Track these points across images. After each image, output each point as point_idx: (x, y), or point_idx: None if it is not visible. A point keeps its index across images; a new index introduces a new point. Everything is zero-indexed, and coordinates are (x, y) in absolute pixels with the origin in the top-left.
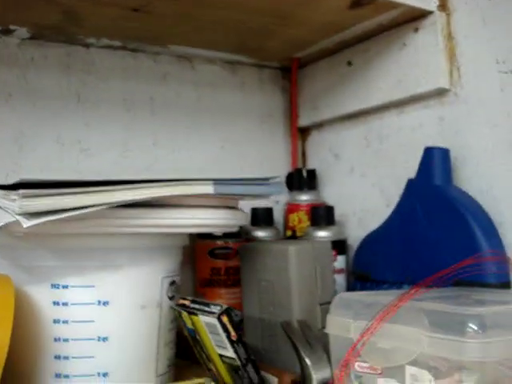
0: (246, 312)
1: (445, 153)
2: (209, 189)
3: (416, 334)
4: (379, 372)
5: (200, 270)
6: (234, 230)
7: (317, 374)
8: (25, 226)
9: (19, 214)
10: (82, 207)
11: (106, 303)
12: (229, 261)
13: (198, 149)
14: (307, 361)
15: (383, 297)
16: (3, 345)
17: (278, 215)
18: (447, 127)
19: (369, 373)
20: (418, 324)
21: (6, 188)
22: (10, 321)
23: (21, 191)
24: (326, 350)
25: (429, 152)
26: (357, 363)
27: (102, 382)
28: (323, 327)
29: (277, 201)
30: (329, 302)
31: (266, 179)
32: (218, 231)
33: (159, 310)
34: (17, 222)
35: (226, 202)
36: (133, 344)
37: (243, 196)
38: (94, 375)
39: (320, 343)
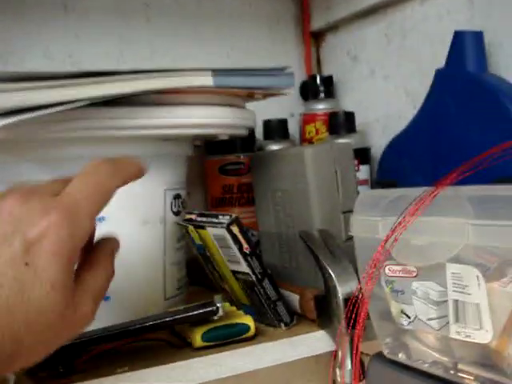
0: (261, 229)
1: (478, 36)
2: (208, 80)
3: (458, 224)
4: (414, 274)
5: (211, 189)
6: (242, 132)
7: (342, 287)
8: None
9: None
10: (61, 103)
11: (101, 219)
12: (241, 177)
13: (200, 59)
14: (330, 272)
15: (414, 191)
16: None
17: (293, 130)
18: (478, 12)
19: (402, 276)
20: (459, 213)
21: None
22: None
23: None
24: (353, 262)
25: (460, 36)
26: (387, 267)
27: (103, 307)
28: (348, 238)
29: (291, 113)
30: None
31: (276, 69)
32: (223, 133)
33: (163, 226)
34: None
35: (231, 101)
36: (135, 264)
37: (249, 89)
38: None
39: (345, 254)
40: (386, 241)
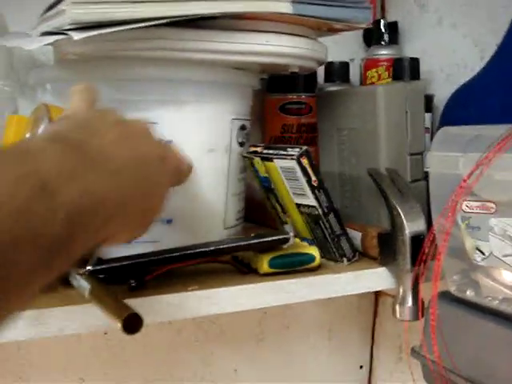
0: (323, 169)
1: None
2: (287, 7)
3: None
4: (492, 211)
5: (270, 128)
6: (313, 66)
7: (410, 224)
8: (75, 38)
9: (70, 29)
10: (141, 20)
11: (168, 142)
12: (301, 117)
13: None
14: (399, 209)
15: (493, 129)
16: None
17: (352, 75)
18: None
19: (480, 212)
20: None
21: (54, 5)
22: None
23: None
24: (420, 201)
25: None
26: (465, 203)
27: (166, 229)
28: (414, 179)
29: (352, 58)
30: (420, 153)
31: (355, 2)
32: (295, 64)
33: (228, 155)
34: (68, 41)
35: (305, 32)
36: (199, 190)
37: (326, 20)
38: (157, 222)
39: (412, 194)
40: (470, 176)
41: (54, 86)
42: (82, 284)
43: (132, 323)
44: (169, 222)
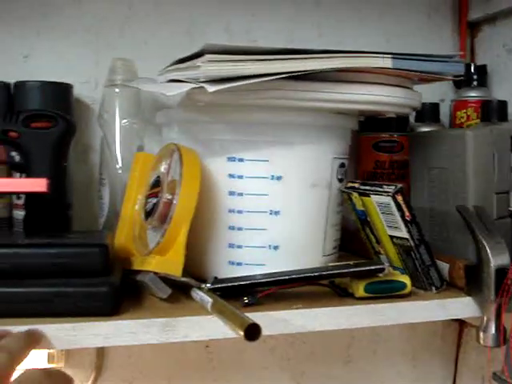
0: (413, 204)
1: None
2: (387, 62)
3: None
4: None
5: (363, 164)
6: (408, 112)
7: (495, 258)
8: (210, 90)
9: (203, 81)
10: (266, 74)
11: (278, 178)
12: (393, 154)
13: (363, 42)
14: (485, 243)
15: None
16: (191, 207)
17: (442, 115)
18: None
19: None
20: None
21: (188, 59)
22: (197, 188)
23: (206, 56)
24: (505, 237)
25: None
26: None
27: (272, 254)
28: (500, 217)
29: (442, 99)
30: (506, 192)
31: (448, 56)
32: (391, 111)
33: (328, 190)
34: (200, 90)
35: (402, 82)
36: (302, 220)
37: (422, 73)
38: (265, 247)
39: (497, 230)
40: None
41: (181, 127)
42: (204, 298)
43: (252, 332)
44: (275, 248)
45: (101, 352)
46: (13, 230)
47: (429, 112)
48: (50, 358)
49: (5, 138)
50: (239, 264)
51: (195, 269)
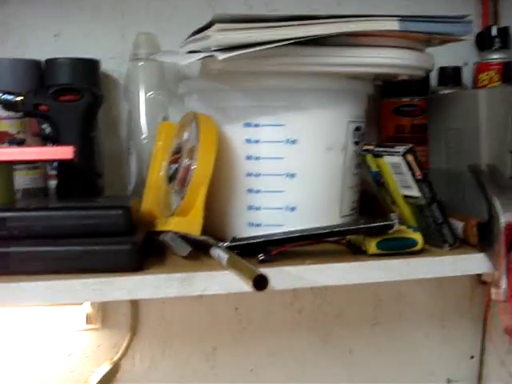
0: (432, 165)
1: None
2: (394, 24)
3: None
4: None
5: (384, 129)
6: (421, 74)
7: (505, 214)
8: (219, 58)
9: (215, 50)
10: (273, 41)
11: (293, 142)
12: (414, 118)
13: (382, 11)
14: (495, 200)
15: None
16: (208, 171)
17: (465, 78)
18: None
19: None
20: None
21: (201, 31)
22: (213, 152)
23: (216, 25)
24: None
25: None
26: None
27: (289, 215)
28: None
29: (465, 62)
30: None
31: (456, 17)
32: (404, 73)
33: (344, 153)
34: (212, 59)
35: (412, 44)
36: (319, 182)
37: (429, 34)
38: (282, 208)
39: (510, 188)
40: None
41: (200, 96)
42: (221, 255)
43: (260, 282)
44: (292, 209)
45: (135, 313)
46: (45, 197)
47: (451, 75)
48: (88, 319)
49: (36, 111)
50: (258, 225)
51: (216, 231)
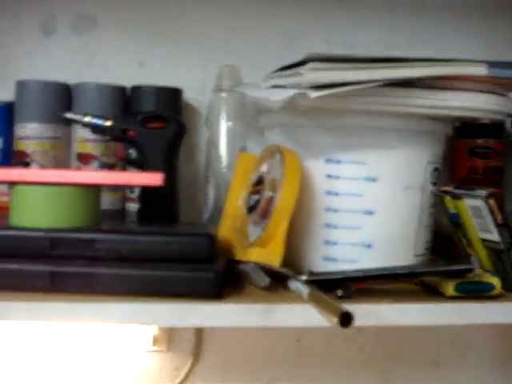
0: (508, 208)
1: None
2: (482, 70)
3: None
4: None
5: (457, 169)
6: (502, 118)
7: None
8: (312, 96)
9: (306, 87)
10: (366, 81)
11: (373, 179)
12: (489, 160)
13: (457, 49)
14: None
15: None
16: (291, 204)
17: None
18: None
19: None
20: None
21: (291, 67)
22: (297, 186)
23: (310, 65)
24: None
25: None
26: None
27: (365, 252)
28: None
29: None
30: None
31: None
32: (486, 117)
33: (421, 193)
34: (302, 96)
35: (497, 89)
36: (396, 221)
37: None
38: (358, 245)
39: None
40: None
41: (282, 130)
42: (301, 288)
43: (345, 319)
44: (368, 246)
45: (199, 339)
46: (126, 220)
47: None
48: (154, 341)
49: (123, 136)
50: (334, 260)
51: (291, 263)
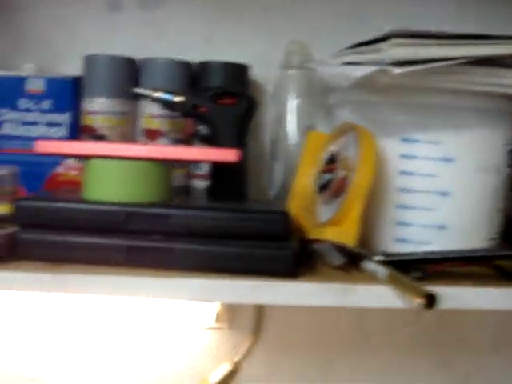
0: None
1: None
2: None
3: None
4: None
5: None
6: None
7: None
8: (395, 72)
9: (388, 64)
10: (449, 58)
11: (450, 160)
12: None
13: None
14: None
15: None
16: (367, 183)
17: None
18: None
19: None
20: None
21: (369, 43)
22: (373, 165)
23: (393, 40)
24: None
25: None
26: None
27: (439, 235)
28: None
29: None
30: None
31: None
32: None
33: (497, 175)
34: (382, 72)
35: None
36: (471, 203)
37: None
38: (432, 226)
39: None
40: None
41: (354, 107)
42: (378, 269)
43: (430, 301)
44: (442, 228)
45: (260, 317)
46: (193, 196)
47: None
48: (216, 318)
49: (194, 112)
50: (406, 241)
51: (362, 243)
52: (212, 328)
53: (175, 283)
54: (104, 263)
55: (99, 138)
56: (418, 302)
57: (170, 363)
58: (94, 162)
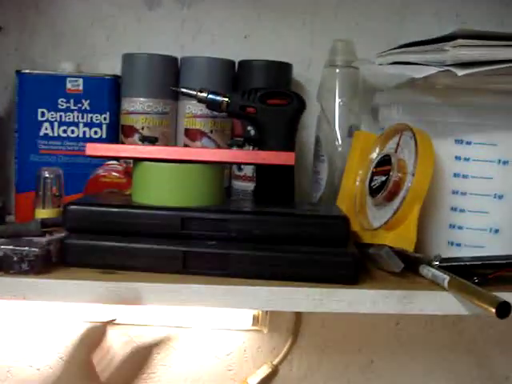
0: None
1: None
2: None
3: None
4: None
5: None
6: None
7: None
8: (459, 74)
9: (451, 65)
10: (506, 60)
11: (505, 162)
12: None
13: None
14: None
15: None
16: (425, 186)
17: None
18: None
19: None
20: None
21: (427, 43)
22: (431, 167)
23: (459, 40)
24: None
25: None
26: None
27: (493, 238)
28: None
29: None
30: None
31: None
32: None
33: None
34: (443, 73)
35: None
36: None
37: None
38: (485, 230)
39: None
40: None
41: (405, 108)
42: (439, 275)
43: (503, 310)
44: (496, 231)
45: (298, 320)
46: (236, 198)
47: None
48: (254, 320)
49: (242, 113)
50: (458, 245)
51: (414, 247)
52: (251, 330)
53: (240, 291)
54: (160, 270)
55: (150, 140)
56: (491, 311)
57: (210, 365)
58: (146, 164)
